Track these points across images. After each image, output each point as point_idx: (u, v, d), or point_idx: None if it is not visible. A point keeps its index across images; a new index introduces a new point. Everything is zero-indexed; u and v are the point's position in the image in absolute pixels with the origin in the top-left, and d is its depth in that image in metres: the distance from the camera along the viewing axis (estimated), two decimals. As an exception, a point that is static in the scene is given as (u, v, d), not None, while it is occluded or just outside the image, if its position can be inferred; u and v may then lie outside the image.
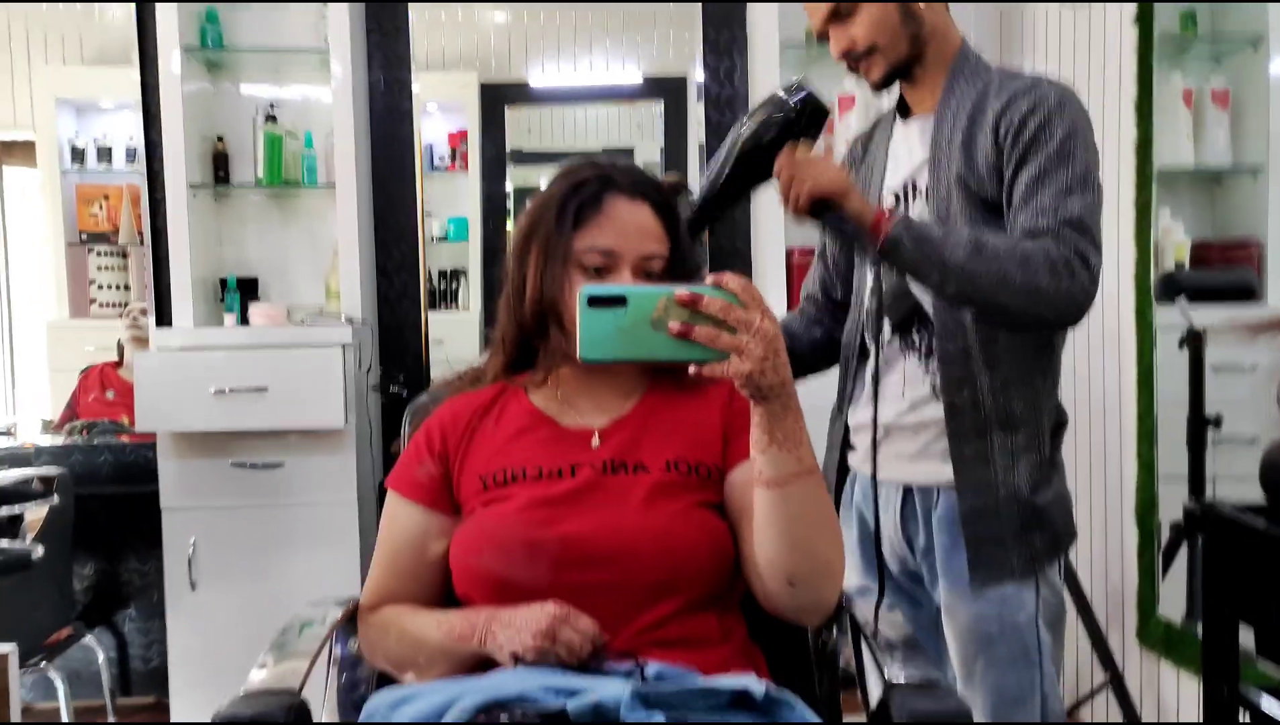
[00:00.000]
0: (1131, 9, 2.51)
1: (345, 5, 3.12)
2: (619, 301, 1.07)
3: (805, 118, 1.55)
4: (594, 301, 1.07)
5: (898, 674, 1.23)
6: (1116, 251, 2.52)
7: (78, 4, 3.64)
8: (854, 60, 1.65)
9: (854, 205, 1.49)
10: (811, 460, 1.17)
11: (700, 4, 3.48)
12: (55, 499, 1.39)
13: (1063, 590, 1.67)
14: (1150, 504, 2.51)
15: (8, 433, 3.58)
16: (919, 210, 1.65)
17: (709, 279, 1.09)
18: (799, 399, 1.14)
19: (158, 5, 3.07)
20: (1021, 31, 3.07)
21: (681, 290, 1.07)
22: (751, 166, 1.59)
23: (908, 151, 1.70)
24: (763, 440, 1.15)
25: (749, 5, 3.38)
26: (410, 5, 3.45)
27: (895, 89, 1.71)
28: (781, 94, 1.57)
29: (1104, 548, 2.71)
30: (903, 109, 1.74)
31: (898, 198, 1.69)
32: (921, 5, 1.62)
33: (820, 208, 1.52)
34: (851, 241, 1.76)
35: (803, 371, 1.84)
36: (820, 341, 1.88)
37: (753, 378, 1.08)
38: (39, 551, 1.31)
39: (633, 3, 3.91)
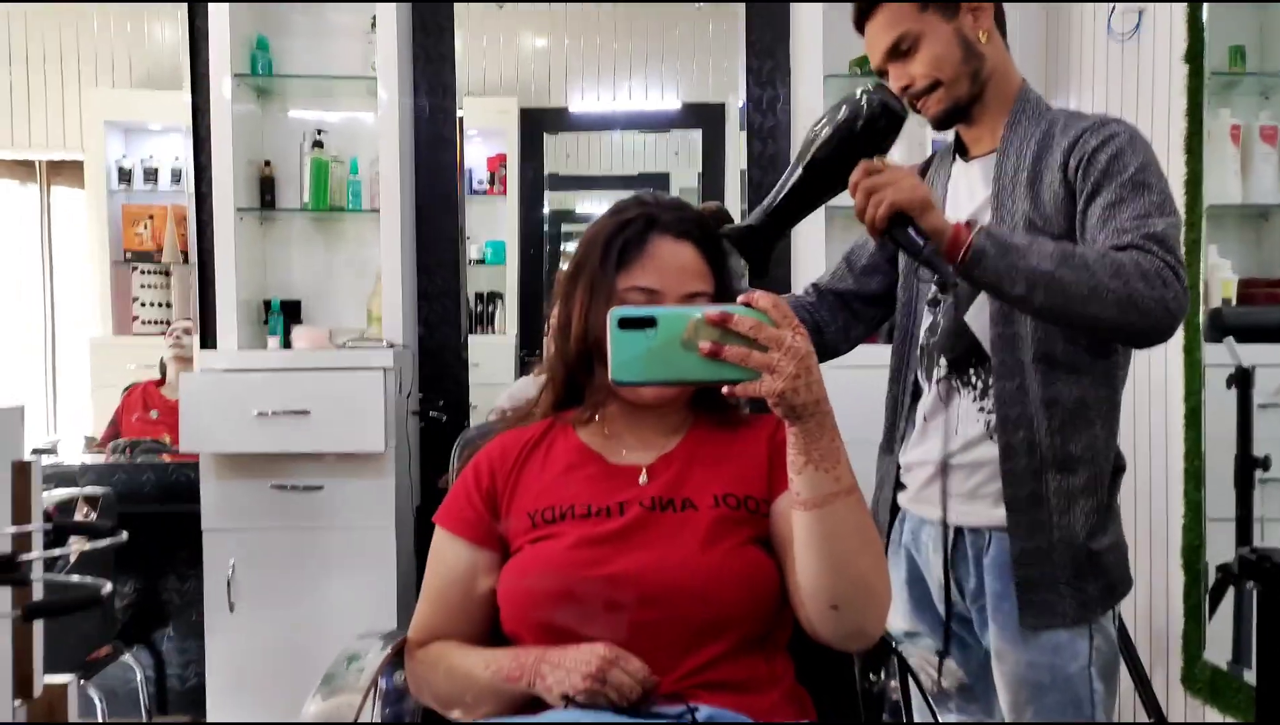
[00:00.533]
0: (1182, 45, 2.50)
1: (394, 34, 3.15)
2: (649, 323, 1.07)
3: (880, 127, 1.48)
4: (624, 323, 1.08)
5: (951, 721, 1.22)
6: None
7: (128, 27, 3.69)
8: (914, 98, 1.63)
9: (933, 220, 1.42)
10: (850, 479, 1.16)
11: (743, 33, 3.49)
12: (121, 536, 1.40)
13: (1116, 639, 1.64)
14: (1197, 546, 2.48)
15: (51, 450, 3.62)
16: None
17: (739, 298, 1.09)
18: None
19: (210, 32, 3.12)
20: (1069, 67, 3.06)
21: (711, 310, 1.07)
22: (824, 175, 1.51)
23: (969, 191, 1.68)
24: (799, 461, 1.14)
25: (792, 35, 3.39)
26: (456, 31, 3.49)
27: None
28: (855, 99, 1.49)
29: (1149, 589, 2.68)
30: (960, 149, 1.73)
31: None
32: (983, 43, 1.61)
33: (897, 223, 1.44)
34: (917, 264, 1.66)
35: None
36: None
37: (785, 396, 1.07)
38: (108, 588, 1.32)
39: (676, 14, 3.92)
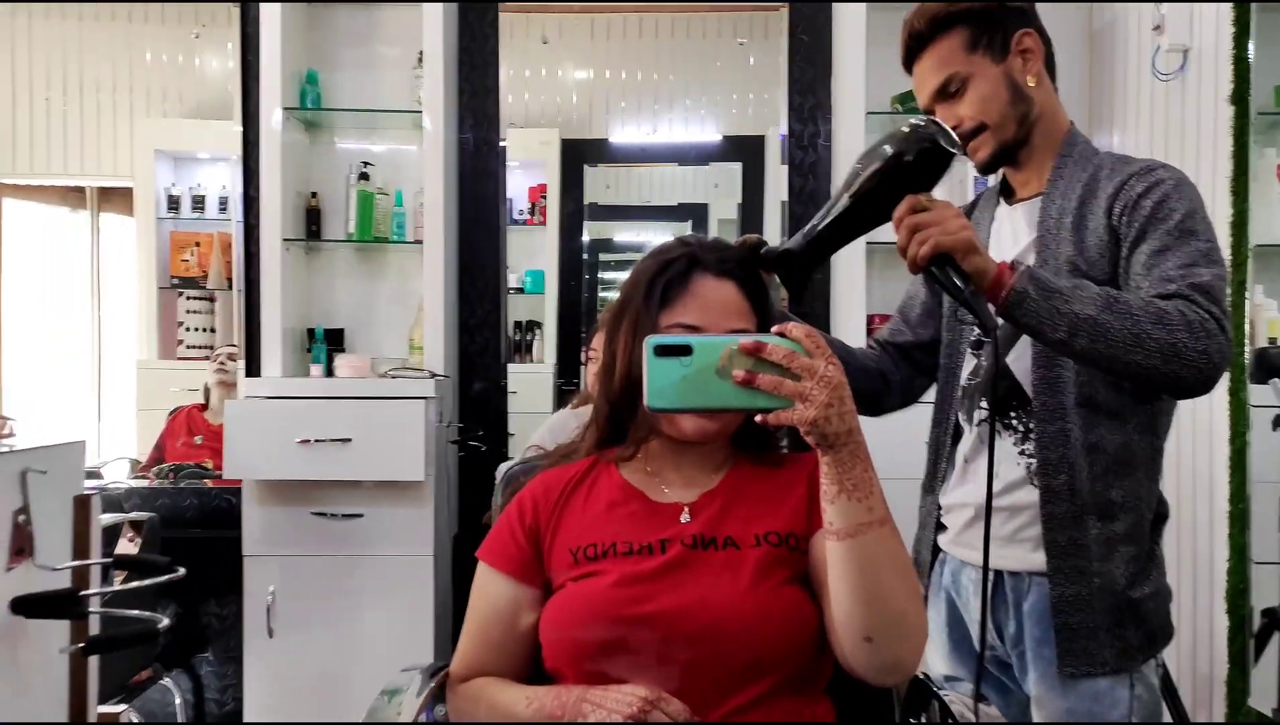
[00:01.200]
0: (1227, 86, 2.49)
1: (439, 68, 3.20)
2: (685, 351, 1.09)
3: (929, 162, 1.42)
4: (660, 351, 1.09)
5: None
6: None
7: (180, 59, 3.76)
8: (961, 139, 1.59)
9: (977, 262, 1.38)
10: (883, 510, 1.16)
11: (786, 67, 3.52)
12: (178, 573, 1.42)
13: (1159, 689, 1.61)
14: (1242, 590, 2.45)
15: (97, 474, 3.67)
16: None
17: (774, 328, 1.10)
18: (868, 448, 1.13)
19: (261, 66, 3.19)
20: (1113, 107, 3.06)
21: (746, 339, 1.08)
22: (869, 207, 1.46)
23: (1012, 234, 1.67)
24: (831, 490, 1.14)
25: (834, 71, 3.41)
26: (500, 66, 3.54)
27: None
28: (906, 132, 1.43)
29: (1193, 634, 2.64)
30: (1006, 191, 1.72)
31: None
32: (1031, 86, 1.60)
33: (938, 263, 1.40)
34: (958, 305, 1.59)
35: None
36: (870, 371, 1.80)
37: (818, 424, 1.08)
38: (164, 622, 1.34)
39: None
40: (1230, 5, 2.50)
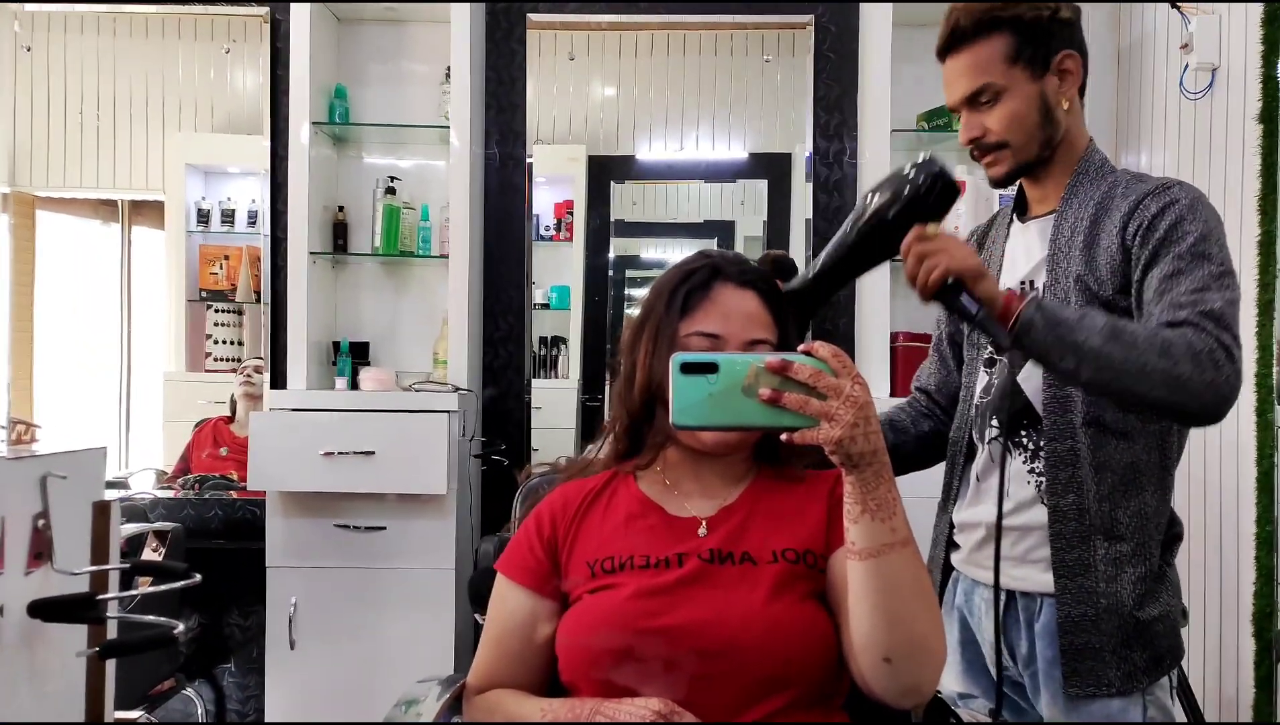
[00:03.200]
0: (1255, 105, 2.47)
1: (466, 84, 3.22)
2: (711, 368, 1.09)
3: (935, 195, 1.46)
4: (687, 368, 1.09)
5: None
6: (1236, 350, 2.45)
7: (211, 74, 3.80)
8: (980, 150, 1.62)
9: (985, 288, 1.41)
10: (906, 531, 1.15)
11: (811, 86, 3.52)
12: (195, 578, 1.43)
13: (1174, 710, 1.59)
14: (1268, 613, 2.42)
15: (123, 484, 3.70)
16: None
17: (800, 347, 1.10)
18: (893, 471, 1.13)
19: (290, 81, 3.22)
20: (1140, 126, 3.04)
21: (772, 357, 1.08)
22: (877, 241, 1.50)
23: (1025, 251, 1.67)
24: (855, 510, 1.13)
25: (860, 88, 3.41)
26: (528, 81, 3.57)
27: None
28: (911, 169, 1.48)
29: (1218, 656, 2.61)
30: (1020, 207, 1.72)
31: None
32: (1063, 109, 1.59)
33: (948, 290, 1.43)
34: (971, 328, 1.66)
35: (911, 467, 1.81)
36: (928, 436, 1.84)
37: (843, 444, 1.08)
38: (180, 628, 1.35)
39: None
40: (1260, 23, 2.48)
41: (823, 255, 1.55)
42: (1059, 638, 1.54)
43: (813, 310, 1.57)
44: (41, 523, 1.27)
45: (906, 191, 1.46)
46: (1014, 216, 1.73)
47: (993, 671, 1.67)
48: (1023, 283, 1.66)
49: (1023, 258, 1.67)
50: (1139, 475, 1.54)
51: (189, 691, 3.19)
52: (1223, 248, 1.48)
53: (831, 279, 1.56)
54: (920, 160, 1.48)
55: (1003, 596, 1.62)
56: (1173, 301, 1.43)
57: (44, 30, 3.75)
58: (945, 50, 1.63)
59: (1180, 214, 1.48)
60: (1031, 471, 1.60)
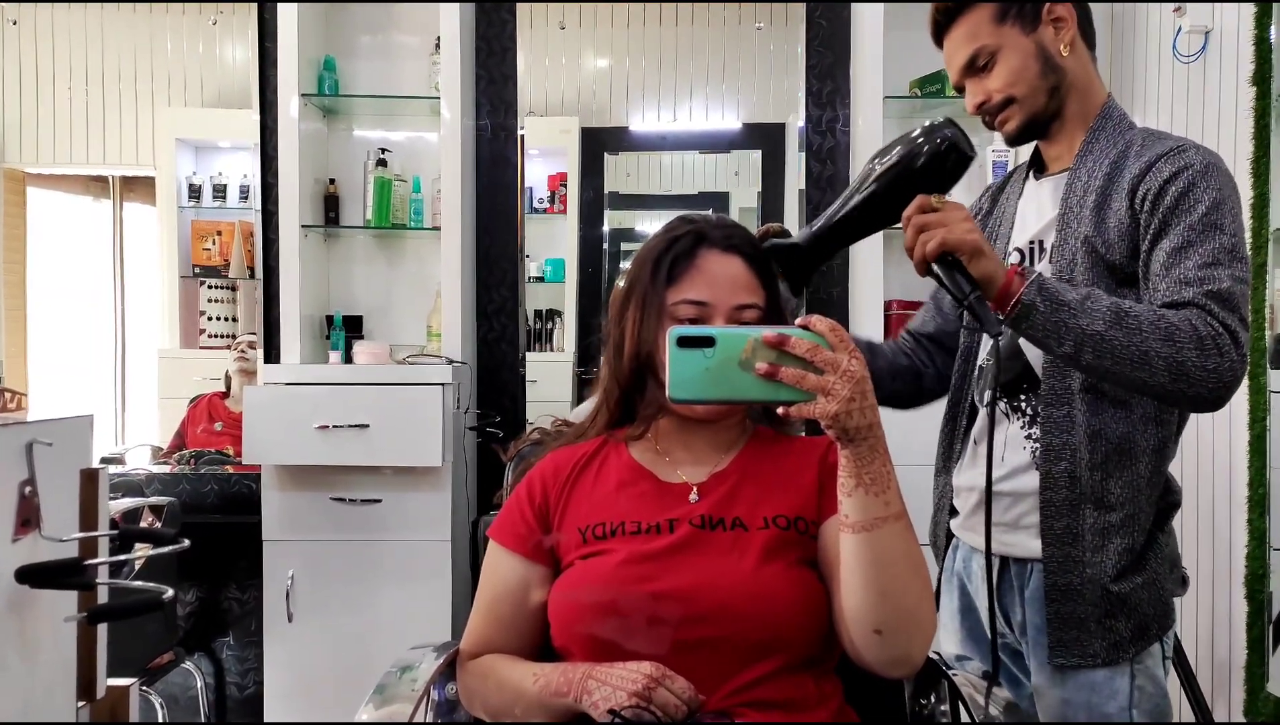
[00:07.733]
0: (1248, 67, 2.47)
1: (457, 55, 3.21)
2: (707, 342, 1.09)
3: (949, 164, 1.42)
4: (683, 342, 1.09)
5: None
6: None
7: (200, 48, 3.78)
8: (989, 114, 1.59)
9: (984, 267, 1.36)
10: (899, 505, 1.16)
11: (803, 54, 3.51)
12: (183, 543, 1.43)
13: (1165, 680, 1.56)
14: (1261, 575, 2.43)
15: (119, 460, 3.70)
16: (1041, 270, 1.57)
17: (797, 321, 1.10)
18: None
19: (279, 53, 3.20)
20: (1134, 89, 3.03)
21: (769, 331, 1.08)
22: (879, 208, 1.47)
23: (1037, 209, 1.64)
24: (849, 483, 1.14)
25: (853, 56, 3.40)
26: (518, 52, 3.55)
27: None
28: (921, 134, 1.43)
29: (1210, 619, 2.62)
30: (1037, 166, 1.68)
31: (1022, 255, 1.63)
32: (1064, 55, 1.56)
33: (944, 263, 1.37)
34: (959, 304, 1.51)
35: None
36: (902, 370, 1.79)
37: (839, 418, 1.08)
38: (169, 593, 1.36)
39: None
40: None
41: (825, 215, 1.53)
42: (1045, 605, 1.53)
43: (809, 269, 1.56)
44: (28, 490, 1.27)
45: (913, 159, 1.43)
46: (1030, 174, 1.69)
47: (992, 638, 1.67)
48: (1031, 243, 1.63)
49: (1034, 216, 1.64)
50: (1133, 446, 1.52)
51: (188, 665, 3.20)
52: (1236, 217, 1.44)
53: (832, 240, 1.54)
54: (932, 125, 1.44)
55: (997, 562, 1.61)
56: (1180, 277, 1.40)
57: (30, 4, 3.72)
58: (939, 33, 1.62)
59: (1192, 180, 1.44)
60: (1028, 437, 1.58)
